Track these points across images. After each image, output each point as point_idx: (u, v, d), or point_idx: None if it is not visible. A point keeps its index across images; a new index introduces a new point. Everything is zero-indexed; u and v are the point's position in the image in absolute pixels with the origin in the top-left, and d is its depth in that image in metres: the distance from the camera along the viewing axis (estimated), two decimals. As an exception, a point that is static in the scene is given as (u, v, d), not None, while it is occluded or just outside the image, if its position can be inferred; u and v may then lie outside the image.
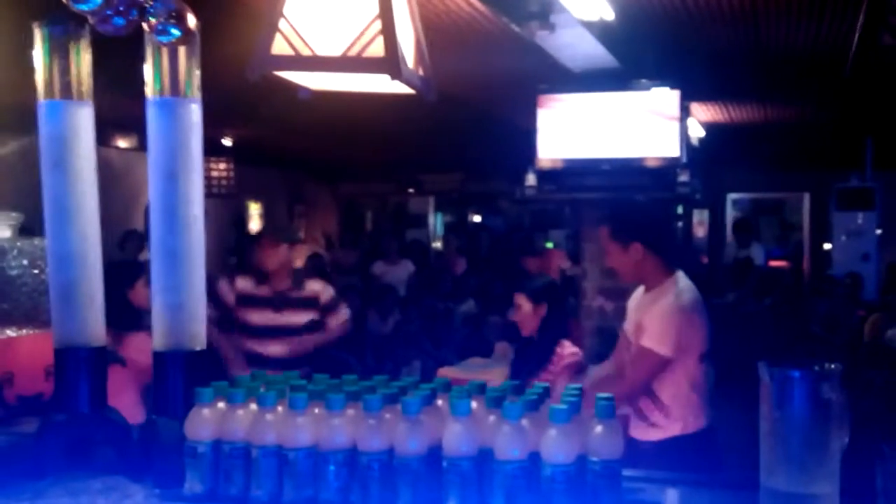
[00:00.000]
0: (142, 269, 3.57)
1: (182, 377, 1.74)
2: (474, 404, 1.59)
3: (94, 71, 1.81)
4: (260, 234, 4.84)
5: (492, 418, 1.53)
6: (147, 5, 1.40)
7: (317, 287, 4.48)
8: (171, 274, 1.75)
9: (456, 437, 1.51)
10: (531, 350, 3.45)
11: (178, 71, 1.72)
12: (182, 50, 1.72)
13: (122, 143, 9.21)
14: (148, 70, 1.72)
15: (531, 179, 4.95)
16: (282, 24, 1.56)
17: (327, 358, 4.63)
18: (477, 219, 14.06)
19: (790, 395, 1.39)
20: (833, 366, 1.41)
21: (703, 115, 7.41)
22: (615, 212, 3.09)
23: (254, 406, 1.62)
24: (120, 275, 3.43)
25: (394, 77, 1.54)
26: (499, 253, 9.97)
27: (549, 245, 9.99)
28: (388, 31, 1.50)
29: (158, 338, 1.76)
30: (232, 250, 10.37)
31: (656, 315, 2.83)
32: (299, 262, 6.08)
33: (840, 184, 8.93)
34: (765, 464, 1.42)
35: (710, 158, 8.75)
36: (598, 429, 1.50)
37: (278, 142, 9.85)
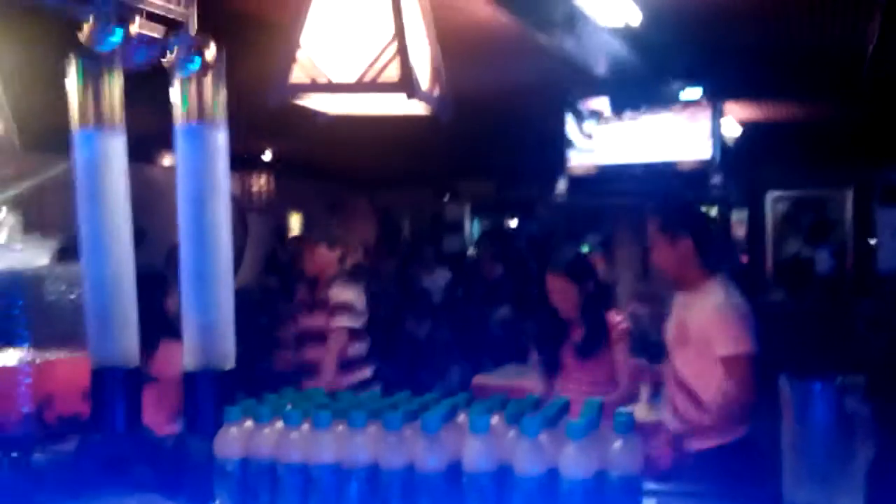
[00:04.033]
0: (167, 279, 3.61)
1: (212, 396, 1.80)
2: (495, 420, 1.62)
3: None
4: (303, 237, 4.87)
5: (511, 434, 1.56)
6: (167, 41, 1.45)
7: (352, 293, 4.48)
8: (201, 295, 1.81)
9: (475, 454, 1.54)
10: (565, 330, 3.46)
11: (203, 98, 1.78)
12: (207, 78, 1.77)
13: (167, 160, 9.41)
14: (175, 98, 1.79)
15: (562, 185, 4.96)
16: (299, 53, 1.60)
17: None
18: (513, 224, 14.05)
19: (812, 408, 1.39)
20: (857, 377, 1.41)
21: (739, 113, 7.33)
22: (667, 205, 3.08)
23: (280, 424, 1.66)
24: (151, 286, 3.51)
25: (409, 96, 1.57)
26: (534, 258, 9.96)
27: (585, 249, 9.94)
28: (403, 55, 1.54)
29: (189, 357, 1.82)
30: (276, 265, 10.47)
31: (712, 318, 2.80)
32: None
33: (884, 179, 8.77)
34: (788, 477, 1.42)
35: (749, 157, 8.64)
36: (618, 444, 1.51)
37: (315, 154, 9.98)
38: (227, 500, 1.65)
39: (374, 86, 1.57)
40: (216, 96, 1.78)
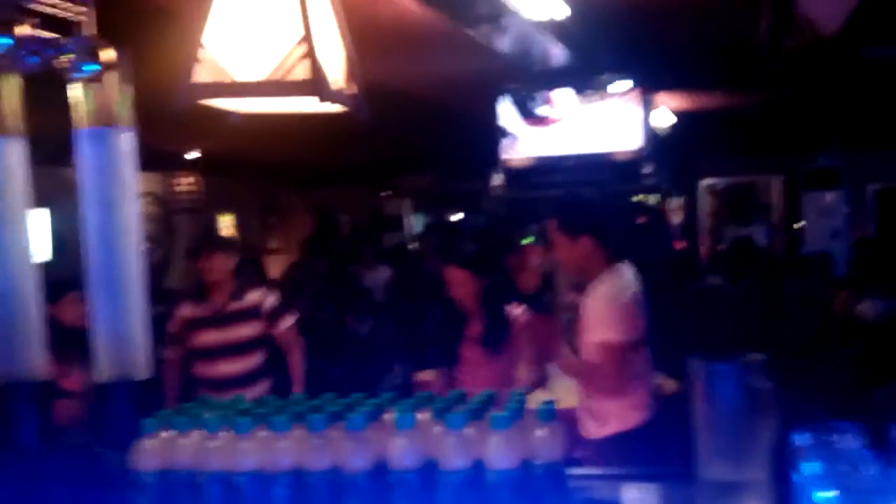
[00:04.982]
0: (71, 285, 3.32)
1: (127, 407, 1.73)
2: (421, 416, 1.59)
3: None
4: (196, 246, 4.36)
5: (436, 429, 1.54)
6: (61, 44, 1.38)
7: (256, 295, 4.22)
8: (111, 304, 1.74)
9: (400, 451, 1.51)
10: (462, 322, 3.46)
11: (107, 100, 1.71)
12: (112, 79, 1.70)
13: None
14: (75, 101, 1.71)
15: (497, 179, 4.97)
16: (202, 52, 1.55)
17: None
18: (457, 217, 14.05)
19: (717, 387, 1.42)
20: (758, 356, 1.43)
21: (672, 103, 7.44)
22: (564, 205, 3.09)
23: (199, 433, 1.61)
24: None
25: (321, 99, 1.53)
26: (477, 251, 9.97)
27: (529, 240, 9.97)
28: (312, 54, 1.50)
29: (102, 368, 1.75)
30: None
31: (596, 307, 2.86)
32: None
33: (808, 164, 9.02)
34: (699, 455, 1.44)
35: (682, 146, 8.80)
36: (540, 432, 1.50)
37: (246, 152, 9.80)
38: (145, 513, 1.60)
39: (282, 87, 1.52)
40: (121, 97, 1.71)
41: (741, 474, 1.39)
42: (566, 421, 3.29)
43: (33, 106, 1.72)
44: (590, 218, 2.98)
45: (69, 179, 1.75)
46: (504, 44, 4.08)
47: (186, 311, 4.15)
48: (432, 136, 8.82)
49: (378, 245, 11.32)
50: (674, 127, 7.85)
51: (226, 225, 11.89)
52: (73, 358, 3.17)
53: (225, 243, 4.32)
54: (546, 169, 4.99)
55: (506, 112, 5.00)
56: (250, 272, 8.96)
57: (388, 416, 1.63)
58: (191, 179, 9.90)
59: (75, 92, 1.69)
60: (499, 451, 1.47)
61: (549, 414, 1.52)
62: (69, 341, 3.20)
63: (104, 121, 1.70)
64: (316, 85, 1.51)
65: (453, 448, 1.48)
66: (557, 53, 4.35)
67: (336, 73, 1.63)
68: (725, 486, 1.41)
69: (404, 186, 13.16)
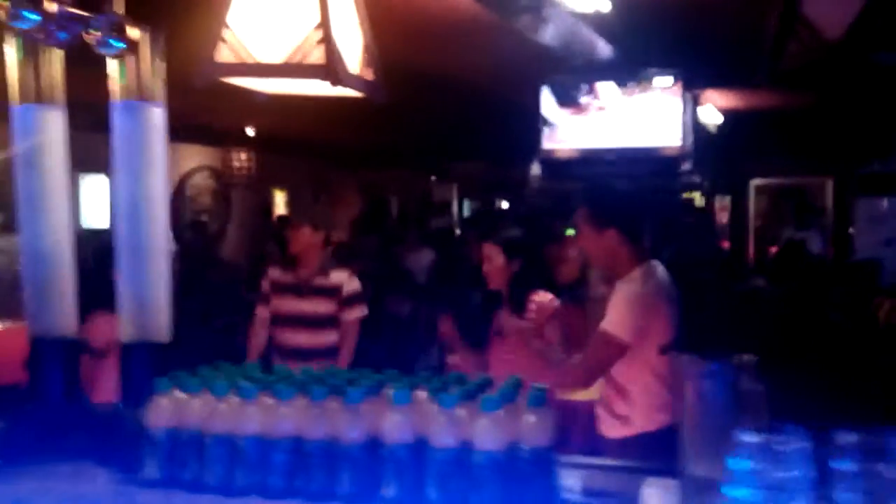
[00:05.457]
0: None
1: (147, 367, 1.83)
2: (420, 395, 1.66)
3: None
4: (290, 217, 4.68)
5: (429, 408, 1.60)
6: (89, 19, 1.47)
7: (341, 277, 4.29)
8: (136, 269, 1.84)
9: (394, 426, 1.58)
10: (494, 303, 3.47)
11: (141, 75, 1.80)
12: (145, 55, 1.80)
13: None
14: (112, 74, 1.81)
15: (536, 169, 4.98)
16: (225, 32, 1.63)
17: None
18: (505, 205, 14.06)
19: (707, 386, 1.44)
20: (749, 357, 1.46)
21: (720, 101, 7.34)
22: (593, 194, 3.04)
23: (208, 395, 1.70)
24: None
25: (333, 84, 1.60)
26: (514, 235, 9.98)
27: (570, 232, 9.93)
28: (328, 40, 1.57)
29: (125, 329, 1.86)
30: (268, 237, 10.50)
31: (618, 301, 2.79)
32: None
33: (863, 169, 8.79)
34: (685, 450, 1.47)
35: (731, 144, 8.67)
36: (530, 418, 1.55)
37: (300, 130, 9.96)
38: (154, 469, 1.69)
39: (298, 69, 1.59)
40: (154, 73, 1.80)
41: (721, 472, 1.42)
42: (585, 414, 3.31)
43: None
44: (618, 211, 2.90)
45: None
46: (547, 35, 4.09)
47: (275, 273, 4.29)
48: (480, 123, 8.85)
49: (425, 228, 11.40)
50: (722, 125, 7.74)
51: (280, 201, 12.12)
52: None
53: (315, 219, 4.40)
54: (587, 161, 4.98)
55: (548, 102, 5.00)
56: (342, 254, 9.10)
57: (388, 392, 1.70)
58: (246, 155, 10.10)
59: (111, 66, 1.79)
60: (486, 433, 1.52)
61: (540, 400, 1.57)
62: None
63: (136, 94, 1.79)
64: (329, 70, 1.57)
65: (443, 427, 1.54)
66: (600, 46, 4.34)
67: (354, 59, 1.69)
68: (708, 483, 1.43)
69: (452, 172, 13.21)
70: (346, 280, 4.29)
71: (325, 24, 1.57)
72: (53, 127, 1.88)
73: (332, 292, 4.24)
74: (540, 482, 1.54)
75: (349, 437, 1.60)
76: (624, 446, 2.78)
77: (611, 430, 2.87)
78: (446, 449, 1.53)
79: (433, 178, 13.40)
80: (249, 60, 1.61)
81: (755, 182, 10.31)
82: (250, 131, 10.00)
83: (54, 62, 1.86)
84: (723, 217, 10.41)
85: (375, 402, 1.65)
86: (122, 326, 1.84)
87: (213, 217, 10.33)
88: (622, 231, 2.83)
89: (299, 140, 10.68)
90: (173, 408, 1.69)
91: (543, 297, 3.57)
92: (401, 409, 1.58)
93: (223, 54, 1.61)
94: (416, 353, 7.84)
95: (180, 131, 9.87)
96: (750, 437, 1.12)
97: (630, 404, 2.80)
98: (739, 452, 1.09)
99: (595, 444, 2.92)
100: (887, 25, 2.06)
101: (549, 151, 5.00)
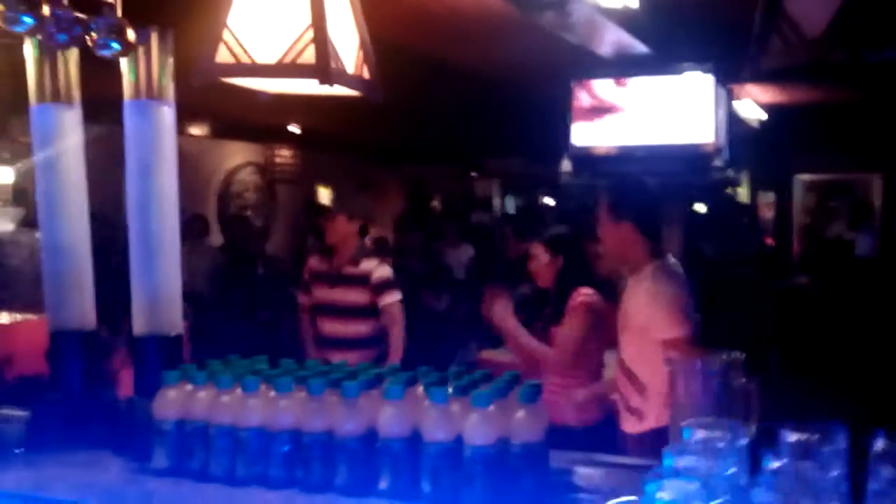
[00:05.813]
0: None
1: (158, 360, 1.89)
2: (417, 389, 1.68)
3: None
4: (328, 208, 4.74)
5: (423, 402, 1.62)
6: (88, 22, 1.52)
7: (370, 265, 4.32)
8: (149, 263, 1.90)
9: (389, 420, 1.61)
10: (543, 301, 3.47)
11: (151, 75, 1.86)
12: (155, 55, 1.85)
13: (195, 130, 9.59)
14: (123, 74, 1.87)
15: (566, 165, 4.97)
16: (225, 34, 1.68)
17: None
18: (548, 201, 14.01)
19: (694, 383, 1.44)
20: (737, 354, 1.45)
21: (762, 96, 7.21)
22: (615, 187, 3.07)
23: (213, 388, 1.75)
24: None
25: (322, 83, 1.64)
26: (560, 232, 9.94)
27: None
28: (320, 40, 1.60)
29: (138, 323, 1.92)
30: (308, 231, 10.66)
31: (649, 302, 2.80)
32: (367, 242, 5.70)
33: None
34: (671, 444, 1.47)
35: (774, 140, 8.51)
36: (521, 413, 1.57)
37: (343, 127, 10.08)
38: (163, 458, 1.75)
39: (290, 69, 1.63)
40: (163, 73, 1.86)
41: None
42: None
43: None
44: (636, 205, 2.94)
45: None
46: (574, 31, 4.08)
47: (313, 261, 4.38)
48: (517, 119, 8.85)
49: (465, 224, 11.43)
50: (766, 120, 7.60)
51: (323, 197, 12.29)
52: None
53: (350, 209, 4.46)
54: (617, 158, 4.95)
55: (578, 98, 4.98)
56: (379, 247, 9.21)
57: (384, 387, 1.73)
58: (289, 152, 10.24)
59: (123, 66, 1.85)
60: (476, 428, 1.54)
61: (531, 396, 1.58)
62: None
63: (146, 94, 1.85)
64: (320, 69, 1.61)
65: (435, 421, 1.57)
66: (630, 41, 4.31)
67: (349, 58, 1.73)
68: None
69: (492, 168, 13.21)
70: (374, 268, 4.31)
71: (316, 24, 1.61)
72: (70, 126, 1.95)
73: (363, 281, 4.26)
74: (531, 477, 1.56)
75: (346, 429, 1.63)
76: (640, 442, 2.79)
77: (626, 424, 2.89)
78: (438, 443, 1.56)
79: (473, 174, 13.42)
80: (246, 61, 1.66)
81: (801, 178, 10.10)
82: (294, 128, 10.14)
83: (70, 62, 1.93)
84: (767, 213, 10.22)
85: (372, 396, 1.68)
86: (135, 320, 1.90)
87: (259, 212, 10.51)
88: (638, 225, 2.87)
89: (342, 137, 10.80)
90: (181, 400, 1.75)
91: (587, 294, 3.54)
92: (395, 403, 1.61)
93: (222, 55, 1.66)
94: (454, 349, 7.88)
95: (226, 129, 10.06)
96: (691, 433, 1.13)
97: (645, 398, 2.81)
98: (678, 448, 1.09)
99: (619, 443, 2.94)
100: (866, 22, 2.02)
101: (580, 148, 4.98)
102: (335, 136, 10.92)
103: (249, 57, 1.65)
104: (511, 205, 13.91)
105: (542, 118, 8.09)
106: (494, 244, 11.17)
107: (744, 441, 1.10)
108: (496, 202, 13.66)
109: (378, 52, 1.82)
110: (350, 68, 1.71)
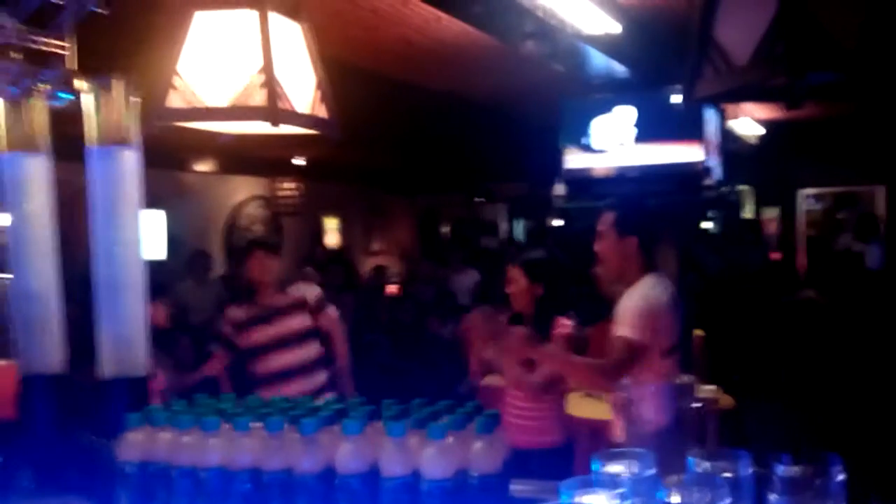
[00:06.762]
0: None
1: (124, 402, 1.90)
2: (377, 424, 1.68)
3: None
4: (248, 245, 4.47)
5: (381, 437, 1.62)
6: (38, 73, 1.56)
7: (300, 289, 4.36)
8: (114, 306, 1.92)
9: (346, 456, 1.60)
10: (517, 325, 3.45)
11: (112, 121, 1.89)
12: (116, 100, 1.88)
13: (200, 167, 9.69)
14: (85, 120, 1.90)
15: (560, 188, 4.99)
16: (175, 80, 1.70)
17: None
18: (557, 223, 14.01)
19: (643, 405, 1.44)
20: (690, 377, 1.45)
21: (758, 113, 7.22)
22: (625, 202, 3.15)
23: (173, 430, 1.76)
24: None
25: (274, 124, 1.66)
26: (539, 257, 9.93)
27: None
28: (270, 82, 1.63)
29: (105, 365, 1.93)
30: (309, 263, 10.72)
31: (626, 306, 2.88)
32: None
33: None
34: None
35: (776, 155, 8.50)
36: (478, 444, 1.56)
37: (349, 159, 10.16)
38: (126, 502, 1.75)
39: (241, 112, 1.66)
40: (125, 118, 1.88)
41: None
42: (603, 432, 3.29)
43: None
44: (642, 221, 3.04)
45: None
46: (560, 59, 4.11)
47: (236, 313, 4.26)
48: (517, 145, 8.90)
49: (471, 250, 11.45)
50: (764, 135, 7.60)
51: (331, 227, 12.35)
52: (159, 360, 3.36)
53: (264, 243, 4.45)
54: (609, 179, 4.97)
55: (567, 123, 5.01)
56: (339, 273, 9.26)
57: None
58: (293, 184, 10.33)
59: (84, 113, 1.89)
60: (433, 461, 1.54)
61: (488, 426, 1.58)
62: (156, 343, 3.42)
63: (109, 139, 1.88)
64: (270, 111, 1.63)
65: (392, 455, 1.56)
66: (615, 66, 4.33)
67: (304, 98, 1.75)
68: None
69: (498, 193, 13.26)
70: (305, 290, 4.35)
71: (267, 68, 1.64)
72: (37, 173, 1.98)
73: (301, 305, 4.25)
74: (489, 509, 1.55)
75: (304, 467, 1.63)
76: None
77: (617, 434, 2.91)
78: (395, 478, 1.55)
79: (478, 199, 13.47)
80: (198, 105, 1.69)
81: (804, 191, 10.08)
82: (298, 161, 10.22)
83: (37, 109, 1.96)
84: (772, 228, 10.19)
85: (333, 431, 1.68)
86: (102, 363, 1.91)
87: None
88: (641, 241, 2.94)
89: (348, 167, 10.89)
90: (143, 441, 1.76)
91: (560, 323, 3.52)
92: (352, 439, 1.61)
93: (174, 100, 1.69)
94: (459, 375, 7.85)
95: (231, 164, 10.13)
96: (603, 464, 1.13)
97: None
98: (581, 481, 1.09)
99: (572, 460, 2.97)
100: (790, 49, 2.03)
101: (572, 171, 4.99)
102: (341, 166, 11.01)
103: (201, 101, 1.68)
104: (519, 229, 13.94)
105: (541, 142, 8.14)
106: (500, 269, 11.13)
107: (649, 472, 1.10)
108: (503, 226, 13.68)
109: (378, 83, 1.85)
110: (304, 108, 1.74)
